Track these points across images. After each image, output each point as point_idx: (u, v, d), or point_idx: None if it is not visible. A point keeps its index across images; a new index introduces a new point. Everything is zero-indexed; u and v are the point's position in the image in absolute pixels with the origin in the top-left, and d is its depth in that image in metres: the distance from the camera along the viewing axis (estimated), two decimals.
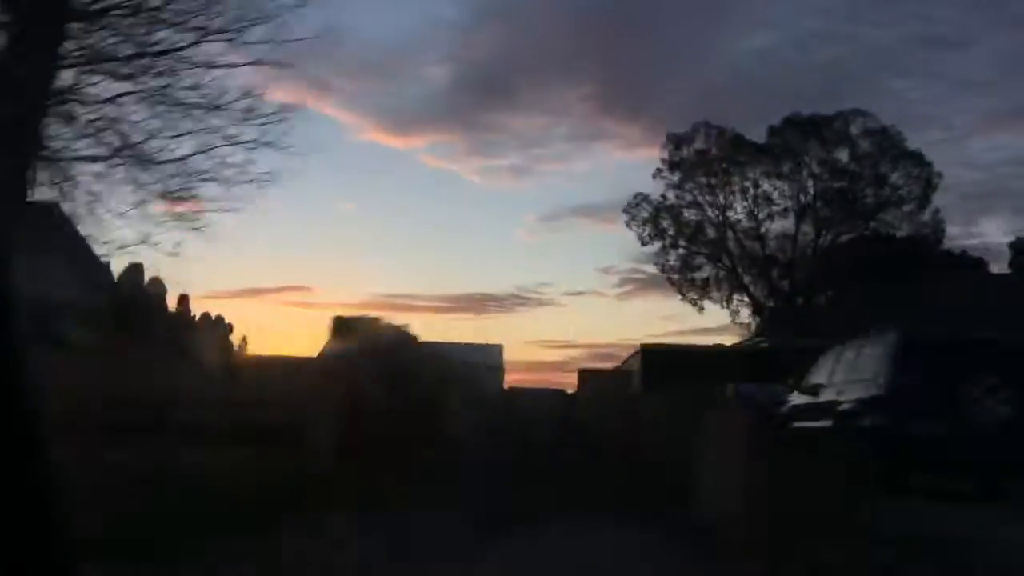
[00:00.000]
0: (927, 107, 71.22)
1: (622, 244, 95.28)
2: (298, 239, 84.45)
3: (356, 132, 78.08)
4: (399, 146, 79.70)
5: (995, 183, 68.11)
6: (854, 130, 47.98)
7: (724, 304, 51.01)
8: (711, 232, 50.75)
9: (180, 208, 14.12)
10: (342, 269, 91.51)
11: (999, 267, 48.14)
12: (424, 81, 77.29)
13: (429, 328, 79.99)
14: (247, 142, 14.00)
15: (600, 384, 32.79)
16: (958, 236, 66.60)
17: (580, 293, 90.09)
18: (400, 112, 76.40)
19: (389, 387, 12.54)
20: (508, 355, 73.36)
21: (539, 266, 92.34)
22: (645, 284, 78.79)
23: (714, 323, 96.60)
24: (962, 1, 70.19)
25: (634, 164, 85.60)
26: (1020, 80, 76.26)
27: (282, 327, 77.04)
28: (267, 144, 14.04)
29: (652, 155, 78.84)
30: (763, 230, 49.79)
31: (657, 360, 35.81)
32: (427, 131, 78.98)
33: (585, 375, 38.06)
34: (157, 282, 20.35)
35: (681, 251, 50.66)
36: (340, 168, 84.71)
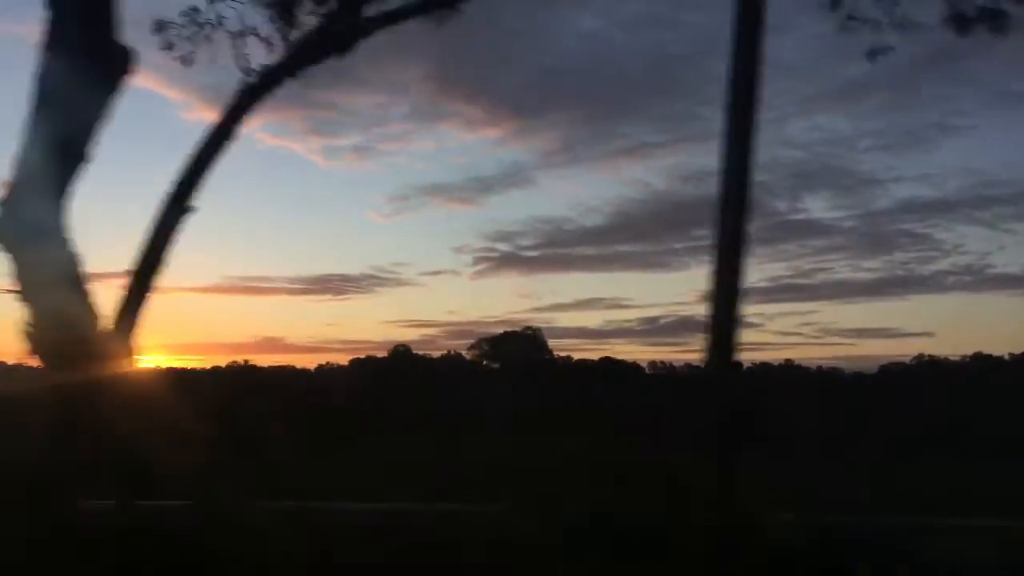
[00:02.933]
0: None
1: (474, 222, 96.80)
2: (137, 222, 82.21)
3: (184, 110, 76.08)
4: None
5: (815, 161, 73.35)
6: None
7: None
8: None
9: None
10: (188, 251, 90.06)
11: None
12: (253, 58, 75.30)
13: (285, 310, 79.21)
14: None
15: None
16: (785, 212, 71.32)
17: (436, 272, 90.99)
18: (229, 90, 74.38)
19: None
20: (366, 335, 68.84)
21: (393, 246, 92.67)
22: (499, 262, 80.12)
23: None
24: None
25: (478, 143, 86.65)
26: (833, 64, 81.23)
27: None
28: None
29: (495, 134, 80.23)
30: None
31: None
32: (260, 109, 76.82)
33: None
34: None
35: None
36: (173, 148, 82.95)
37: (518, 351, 54.90)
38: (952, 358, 71.40)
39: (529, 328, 57.78)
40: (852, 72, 75.22)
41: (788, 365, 70.99)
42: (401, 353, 56.45)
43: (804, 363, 73.29)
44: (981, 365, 71.51)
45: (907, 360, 72.51)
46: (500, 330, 60.47)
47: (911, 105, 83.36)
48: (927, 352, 74.87)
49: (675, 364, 69.30)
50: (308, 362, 79.36)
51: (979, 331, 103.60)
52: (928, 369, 71.18)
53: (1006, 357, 70.01)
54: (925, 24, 10.43)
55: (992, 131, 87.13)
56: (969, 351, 71.06)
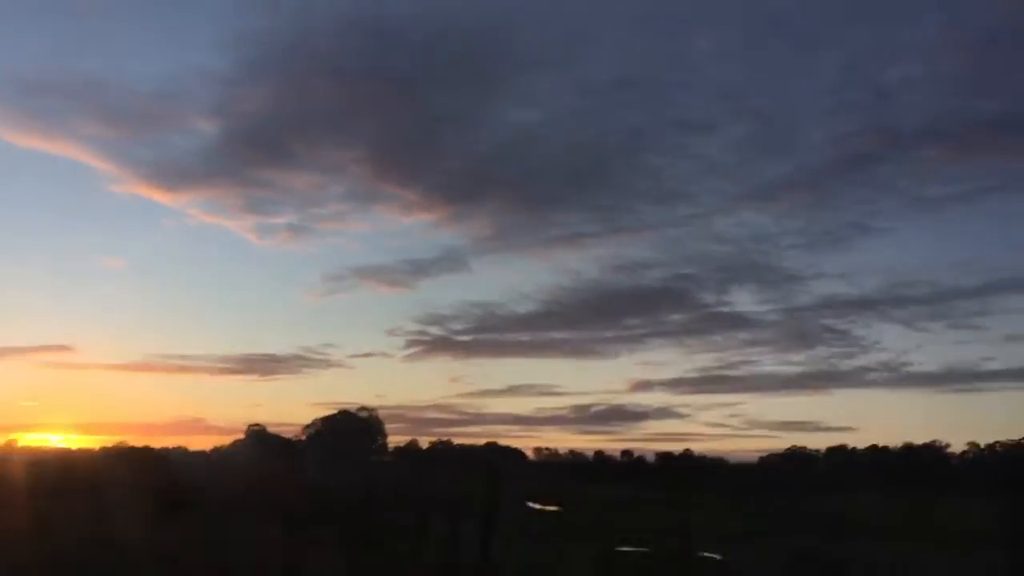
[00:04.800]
0: (679, 184, 79.31)
1: (407, 305, 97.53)
2: (58, 296, 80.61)
3: (116, 183, 75.64)
4: (166, 201, 78.57)
5: (742, 256, 77.54)
6: None
7: None
8: None
9: None
10: (111, 328, 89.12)
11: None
12: (190, 134, 77.03)
13: (211, 390, 78.72)
14: None
15: None
16: (712, 304, 74.91)
17: (367, 355, 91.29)
18: (167, 164, 75.35)
19: None
20: (292, 418, 69.07)
21: (324, 327, 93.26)
22: (431, 346, 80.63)
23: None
24: (705, 91, 79.51)
25: (414, 227, 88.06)
26: (758, 164, 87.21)
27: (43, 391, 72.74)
28: None
29: (430, 218, 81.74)
30: None
31: None
32: (196, 186, 78.24)
33: None
34: None
35: None
36: (100, 221, 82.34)
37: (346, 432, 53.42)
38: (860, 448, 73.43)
39: (364, 409, 56.49)
40: (775, 172, 78.73)
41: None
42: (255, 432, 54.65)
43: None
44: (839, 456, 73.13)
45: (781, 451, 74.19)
46: (432, 415, 59.49)
47: (831, 206, 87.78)
48: (850, 444, 77.17)
49: (559, 451, 69.74)
50: (220, 442, 77.33)
51: (896, 425, 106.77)
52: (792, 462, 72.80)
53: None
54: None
55: (908, 233, 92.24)
56: (896, 443, 73.11)
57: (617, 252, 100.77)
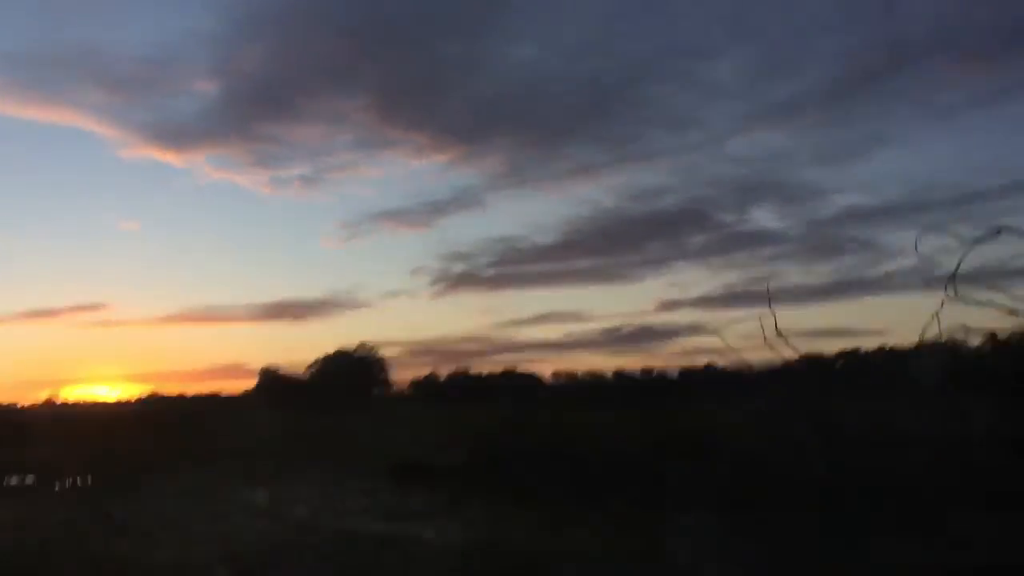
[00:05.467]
0: (687, 111, 77.60)
1: (429, 244, 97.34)
2: (83, 259, 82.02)
3: (122, 148, 76.10)
4: (176, 162, 78.33)
5: (759, 176, 76.71)
6: None
7: None
8: None
9: None
10: (141, 285, 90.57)
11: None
12: (193, 95, 75.96)
13: (245, 337, 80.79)
14: None
15: None
16: (733, 223, 73.72)
17: (395, 294, 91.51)
18: (171, 126, 75.36)
19: None
20: None
21: (348, 271, 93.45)
22: (457, 282, 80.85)
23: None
24: (704, 14, 77.03)
25: (426, 169, 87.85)
26: (767, 85, 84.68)
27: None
28: None
29: (442, 160, 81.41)
30: None
31: None
32: (204, 145, 77.10)
33: None
34: None
35: None
36: (113, 187, 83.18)
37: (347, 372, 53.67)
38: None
39: (364, 346, 56.59)
40: (785, 91, 77.91)
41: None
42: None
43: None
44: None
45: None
46: (465, 347, 59.61)
47: (845, 121, 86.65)
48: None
49: (577, 373, 70.17)
50: None
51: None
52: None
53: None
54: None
55: (925, 141, 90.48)
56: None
57: (632, 181, 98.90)
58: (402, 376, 65.28)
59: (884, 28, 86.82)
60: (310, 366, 54.69)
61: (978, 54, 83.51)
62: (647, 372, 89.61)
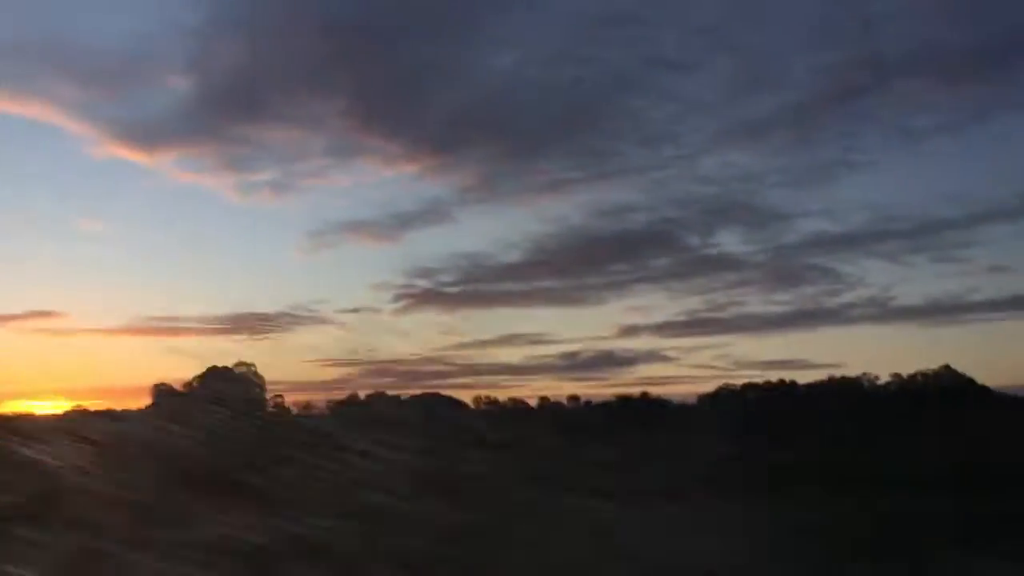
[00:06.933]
0: (662, 126, 76.30)
1: (393, 259, 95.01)
2: (41, 262, 77.78)
3: (91, 145, 72.22)
4: (143, 161, 74.65)
5: (727, 197, 74.91)
6: None
7: None
8: None
9: None
10: (97, 292, 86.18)
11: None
12: (165, 92, 72.77)
13: (202, 351, 77.02)
14: None
15: None
16: (698, 247, 72.05)
17: (355, 310, 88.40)
18: (140, 124, 71.78)
19: None
20: (285, 375, 69.16)
21: (311, 284, 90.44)
22: (420, 299, 78.45)
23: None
24: (684, 27, 76.30)
25: (397, 179, 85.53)
26: (741, 101, 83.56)
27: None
28: None
29: (413, 170, 79.20)
30: None
31: None
32: (174, 144, 73.52)
33: None
34: None
35: None
36: (77, 185, 79.03)
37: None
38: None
39: (242, 364, 53.80)
40: (758, 109, 76.52)
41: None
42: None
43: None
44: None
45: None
46: (424, 367, 56.58)
47: (815, 141, 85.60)
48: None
49: (499, 399, 67.62)
50: None
51: (884, 361, 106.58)
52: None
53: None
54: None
55: (892, 166, 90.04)
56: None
57: (601, 197, 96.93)
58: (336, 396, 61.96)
59: (859, 46, 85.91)
60: (187, 384, 51.49)
61: (950, 77, 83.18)
62: (572, 400, 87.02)
